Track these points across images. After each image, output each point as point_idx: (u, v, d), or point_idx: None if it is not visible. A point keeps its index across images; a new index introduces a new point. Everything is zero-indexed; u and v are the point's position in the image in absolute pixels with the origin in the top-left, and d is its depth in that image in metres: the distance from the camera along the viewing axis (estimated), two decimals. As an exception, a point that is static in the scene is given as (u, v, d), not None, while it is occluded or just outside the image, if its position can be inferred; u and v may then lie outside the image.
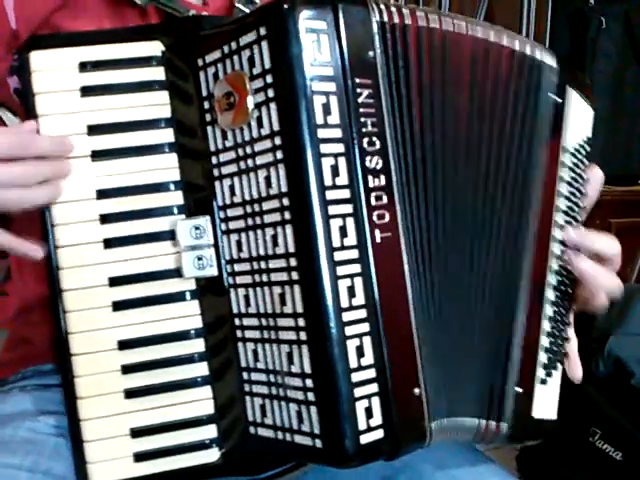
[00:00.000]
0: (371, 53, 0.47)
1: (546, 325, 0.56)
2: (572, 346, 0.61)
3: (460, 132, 0.51)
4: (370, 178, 0.46)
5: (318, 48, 0.45)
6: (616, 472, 1.10)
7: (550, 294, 0.57)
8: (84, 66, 0.53)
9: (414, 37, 0.49)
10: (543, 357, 0.56)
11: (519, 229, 0.54)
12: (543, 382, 0.56)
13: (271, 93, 0.45)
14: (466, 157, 0.52)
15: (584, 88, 0.60)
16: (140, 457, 0.53)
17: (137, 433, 0.53)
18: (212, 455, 0.53)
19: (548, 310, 0.57)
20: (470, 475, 0.59)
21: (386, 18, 0.47)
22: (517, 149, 0.54)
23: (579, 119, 0.60)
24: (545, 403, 0.57)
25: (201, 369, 0.53)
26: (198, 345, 0.53)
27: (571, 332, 0.60)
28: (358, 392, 0.45)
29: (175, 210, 0.53)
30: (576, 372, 0.61)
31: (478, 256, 0.52)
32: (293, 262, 0.46)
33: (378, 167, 0.47)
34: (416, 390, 0.48)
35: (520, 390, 0.54)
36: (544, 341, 0.56)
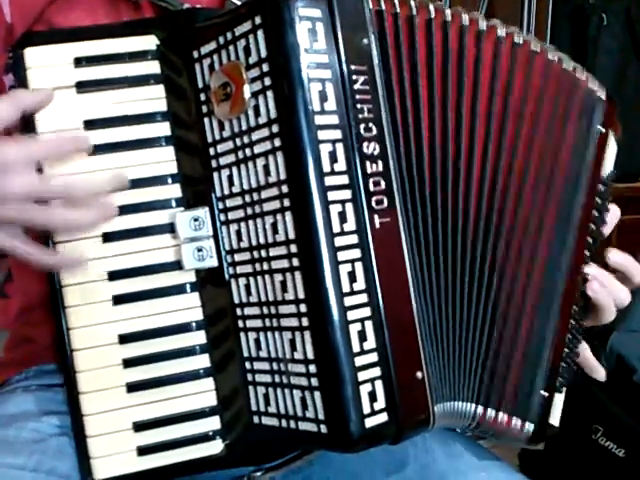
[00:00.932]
0: (365, 40, 0.47)
1: (568, 336, 0.58)
2: (586, 353, 0.62)
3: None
4: (368, 164, 0.47)
5: (313, 36, 0.45)
6: (619, 469, 1.09)
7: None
8: (79, 62, 0.53)
9: (406, 24, 0.49)
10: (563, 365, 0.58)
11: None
12: (559, 390, 0.58)
13: (268, 81, 0.46)
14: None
15: (613, 120, 0.62)
16: (143, 451, 0.53)
17: (140, 427, 0.53)
18: (216, 447, 0.53)
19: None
20: (476, 469, 0.59)
21: (381, 6, 0.48)
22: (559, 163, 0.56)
23: (610, 152, 0.62)
24: (556, 410, 0.59)
25: (203, 361, 0.53)
26: (199, 337, 0.53)
27: (583, 345, 0.62)
28: (361, 376, 0.45)
29: (173, 203, 0.53)
30: (600, 373, 0.63)
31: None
32: (294, 249, 0.46)
33: (375, 153, 0.47)
34: (418, 373, 0.48)
35: (546, 394, 0.56)
36: (565, 351, 0.58)
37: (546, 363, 0.56)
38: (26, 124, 0.52)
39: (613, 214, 0.63)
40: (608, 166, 0.62)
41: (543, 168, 0.55)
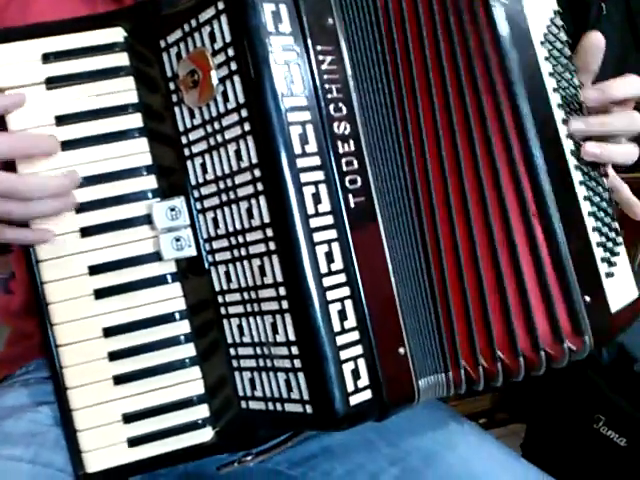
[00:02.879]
0: (330, 20, 0.47)
1: (590, 222, 0.55)
2: (624, 193, 0.60)
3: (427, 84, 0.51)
4: (339, 144, 0.47)
5: (277, 18, 0.45)
6: (621, 458, 1.10)
7: (581, 191, 0.55)
8: (47, 57, 0.53)
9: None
10: (600, 252, 0.55)
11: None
12: (609, 275, 0.55)
13: (234, 66, 0.46)
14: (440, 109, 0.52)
15: None
16: (134, 442, 0.53)
17: (129, 418, 0.53)
18: (206, 434, 0.54)
19: (586, 207, 0.55)
20: (479, 454, 0.60)
21: None
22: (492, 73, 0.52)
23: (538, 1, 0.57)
24: (620, 291, 0.56)
25: (188, 350, 0.53)
26: (183, 327, 0.53)
27: (617, 182, 0.59)
28: (344, 355, 0.46)
29: (150, 194, 0.53)
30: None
31: None
32: (269, 233, 0.46)
33: (347, 132, 0.47)
34: (401, 349, 0.48)
35: (588, 299, 0.52)
36: (595, 237, 0.55)
37: (571, 269, 0.52)
38: None
39: (589, 44, 0.57)
40: (544, 15, 0.57)
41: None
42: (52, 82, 0.53)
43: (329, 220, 0.46)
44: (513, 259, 0.52)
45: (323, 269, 0.46)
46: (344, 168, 0.47)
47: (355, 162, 0.48)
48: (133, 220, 0.53)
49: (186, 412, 0.53)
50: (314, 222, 0.46)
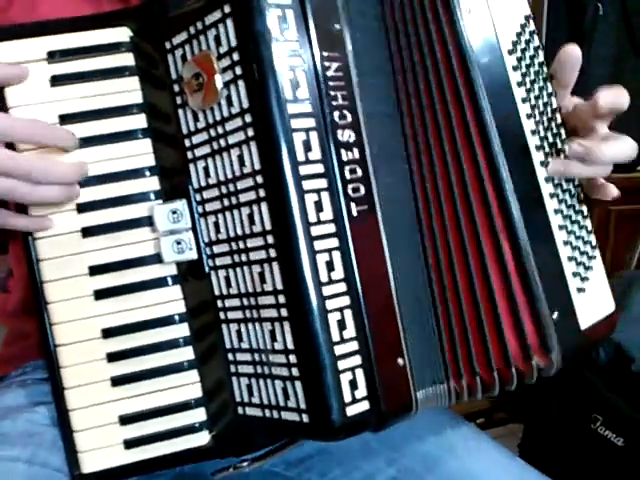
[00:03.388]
0: (337, 26, 0.47)
1: (561, 236, 0.54)
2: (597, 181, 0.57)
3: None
4: (343, 151, 0.46)
5: (284, 23, 0.45)
6: (618, 458, 1.10)
7: (551, 204, 0.54)
8: (52, 55, 0.52)
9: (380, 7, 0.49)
10: (571, 267, 0.54)
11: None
12: (581, 290, 0.54)
13: (239, 71, 0.45)
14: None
15: None
16: (130, 444, 0.53)
17: (126, 420, 0.53)
18: (202, 438, 0.53)
19: (556, 221, 0.54)
20: (477, 456, 0.59)
21: None
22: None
23: (508, 7, 0.55)
24: (593, 306, 0.55)
25: (187, 353, 0.53)
26: (182, 330, 0.53)
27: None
28: (342, 365, 0.45)
29: (152, 196, 0.53)
30: (612, 190, 0.57)
31: None
32: (270, 239, 0.46)
33: (351, 140, 0.47)
34: (400, 360, 0.48)
35: (557, 315, 0.51)
36: (565, 251, 0.54)
37: (538, 284, 0.51)
38: None
39: (566, 57, 0.54)
40: (515, 20, 0.54)
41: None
42: (57, 80, 0.52)
43: (331, 228, 0.46)
44: (483, 273, 0.51)
45: (323, 278, 0.45)
46: (347, 176, 0.47)
47: (359, 170, 0.47)
48: (135, 221, 0.53)
49: (183, 415, 0.53)
50: (315, 230, 0.45)
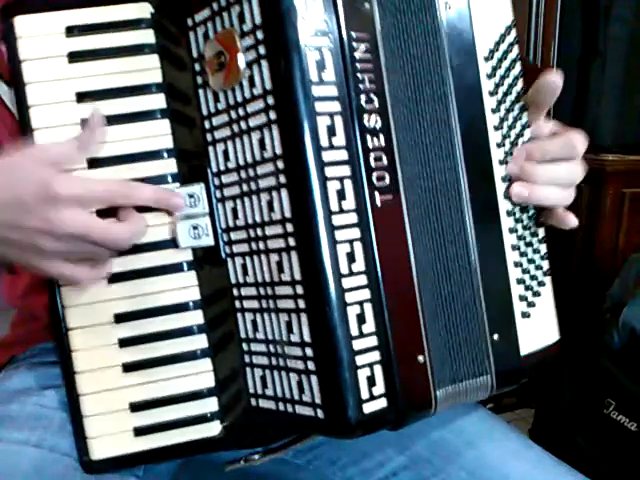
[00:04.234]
0: (367, 5, 0.44)
1: (513, 256, 0.52)
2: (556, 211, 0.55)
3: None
4: (369, 138, 0.44)
5: (311, 0, 0.42)
6: (631, 442, 1.09)
7: (508, 222, 0.52)
8: (71, 30, 0.51)
9: None
10: (519, 289, 0.53)
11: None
12: (526, 315, 0.53)
13: (262, 50, 0.43)
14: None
15: None
16: (140, 431, 0.52)
17: (136, 407, 0.52)
18: (213, 429, 0.52)
19: (509, 239, 0.52)
20: (485, 439, 0.58)
21: None
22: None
23: (489, 14, 0.52)
24: (536, 333, 0.54)
25: (200, 341, 0.52)
26: (197, 317, 0.52)
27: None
28: (360, 360, 0.43)
29: (169, 178, 0.51)
30: (572, 220, 0.54)
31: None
32: (290, 228, 0.44)
33: (377, 126, 0.45)
34: (420, 357, 0.46)
35: (497, 337, 0.50)
36: (515, 273, 0.52)
37: (483, 304, 0.50)
38: (18, 95, 0.50)
39: (544, 82, 0.52)
40: (496, 29, 0.53)
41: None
42: (74, 56, 0.51)
43: (353, 218, 0.44)
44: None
45: (343, 269, 0.43)
46: (372, 164, 0.45)
47: (384, 158, 0.45)
48: (150, 204, 0.51)
49: (195, 404, 0.52)
50: (337, 219, 0.43)
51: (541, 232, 0.55)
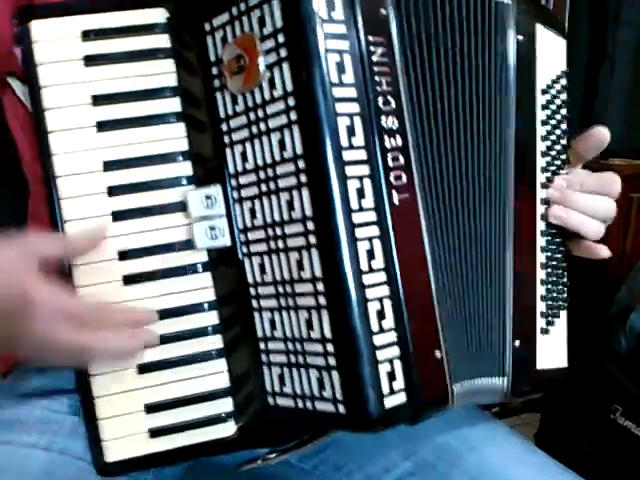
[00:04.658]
0: (383, 11, 0.46)
1: (541, 274, 0.55)
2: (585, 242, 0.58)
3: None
4: (386, 138, 0.46)
5: (331, 6, 0.44)
6: (638, 448, 1.09)
7: (540, 241, 0.56)
8: (87, 35, 0.51)
9: None
10: (542, 306, 0.55)
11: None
12: (545, 332, 0.55)
13: (283, 53, 0.44)
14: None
15: (549, 17, 0.58)
16: (155, 433, 0.52)
17: (152, 409, 0.52)
18: (228, 429, 0.52)
19: (540, 257, 0.55)
20: (494, 447, 0.58)
21: None
22: (491, 102, 0.52)
23: (550, 54, 0.57)
24: (550, 352, 0.56)
25: (215, 342, 0.52)
26: (212, 318, 0.52)
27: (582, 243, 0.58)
28: (380, 355, 0.44)
29: (184, 181, 0.52)
30: (604, 252, 0.57)
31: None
32: (310, 226, 0.45)
33: (394, 127, 0.46)
34: (437, 353, 0.47)
35: (518, 343, 0.52)
36: (540, 289, 0.55)
37: (511, 310, 0.53)
38: (32, 97, 0.50)
39: (593, 135, 0.56)
40: (552, 69, 0.57)
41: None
42: (90, 60, 0.51)
43: (372, 216, 0.45)
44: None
45: (364, 266, 0.44)
46: (390, 164, 0.46)
47: (401, 158, 0.46)
48: (166, 206, 0.52)
49: (210, 405, 0.52)
50: (357, 217, 0.44)
51: (565, 263, 0.59)
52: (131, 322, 0.48)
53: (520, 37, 0.54)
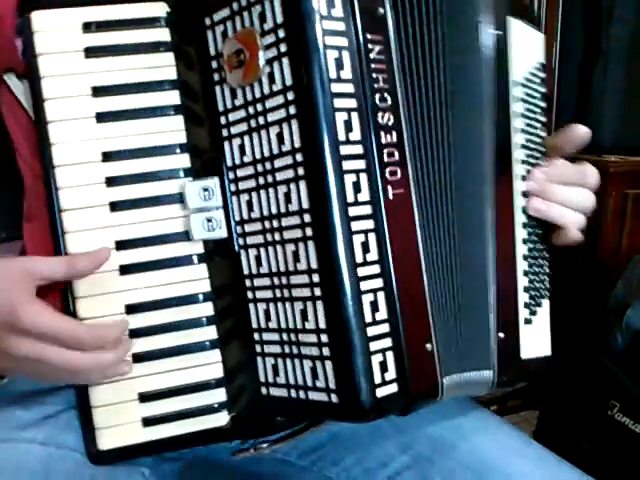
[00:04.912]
0: (381, 10, 0.47)
1: (523, 265, 0.56)
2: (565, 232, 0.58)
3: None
4: (382, 134, 0.47)
5: (330, 3, 0.45)
6: (635, 444, 1.10)
7: (522, 233, 0.56)
8: (88, 26, 0.52)
9: None
10: (524, 297, 0.56)
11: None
12: (528, 322, 0.56)
13: (283, 48, 0.45)
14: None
15: (523, 11, 0.58)
16: (149, 422, 0.52)
17: (145, 398, 0.52)
18: (221, 419, 0.53)
19: (522, 249, 0.56)
20: (491, 440, 0.59)
21: None
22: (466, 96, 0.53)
23: (526, 47, 0.58)
24: (534, 342, 0.57)
25: (210, 333, 0.53)
26: (207, 309, 0.53)
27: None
28: (373, 346, 0.45)
29: (181, 173, 0.53)
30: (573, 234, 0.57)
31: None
32: (307, 218, 0.46)
33: (390, 123, 0.47)
34: (428, 346, 0.48)
35: (502, 335, 0.53)
36: (523, 281, 0.56)
37: (494, 302, 0.53)
38: (33, 89, 0.51)
39: (572, 129, 0.56)
40: (529, 62, 0.58)
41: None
42: (91, 52, 0.52)
43: (367, 210, 0.46)
44: None
45: (358, 259, 0.45)
46: (385, 159, 0.47)
47: (396, 154, 0.47)
48: (164, 198, 0.52)
49: (203, 395, 0.53)
50: (353, 211, 0.45)
51: (547, 254, 0.59)
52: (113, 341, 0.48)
53: (494, 31, 0.54)
